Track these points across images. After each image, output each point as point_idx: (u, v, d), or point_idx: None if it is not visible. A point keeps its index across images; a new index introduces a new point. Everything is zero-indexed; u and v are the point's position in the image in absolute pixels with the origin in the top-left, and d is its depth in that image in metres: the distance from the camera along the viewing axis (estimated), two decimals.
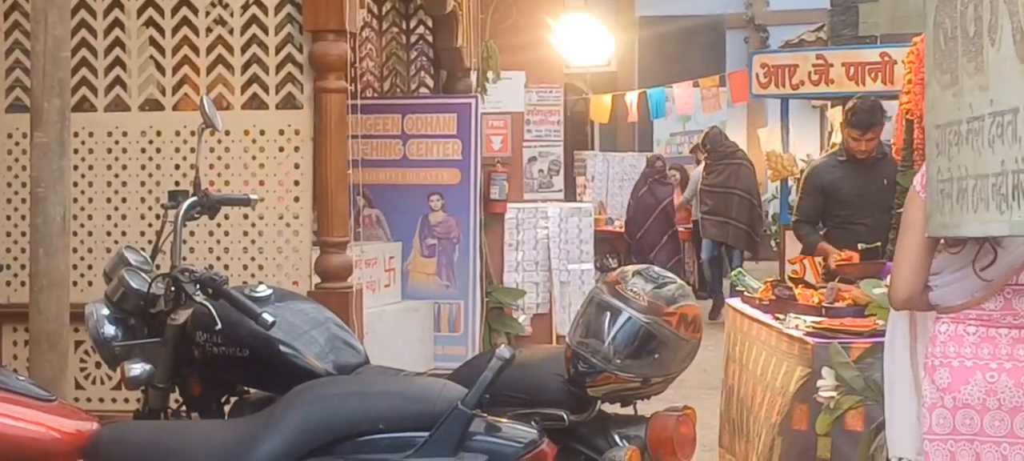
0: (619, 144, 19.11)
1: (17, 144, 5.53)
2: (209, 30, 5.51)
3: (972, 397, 3.20)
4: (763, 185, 18.15)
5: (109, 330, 4.01)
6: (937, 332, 3.31)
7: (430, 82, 8.15)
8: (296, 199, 5.43)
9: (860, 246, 6.24)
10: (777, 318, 5.37)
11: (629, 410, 4.01)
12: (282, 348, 3.91)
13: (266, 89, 5.46)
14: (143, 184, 5.53)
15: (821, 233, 6.98)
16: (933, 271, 3.35)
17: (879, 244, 6.28)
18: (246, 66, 5.47)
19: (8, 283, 5.57)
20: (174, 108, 5.56)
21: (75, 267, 5.34)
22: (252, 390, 4.12)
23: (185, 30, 5.52)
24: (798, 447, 4.85)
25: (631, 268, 3.94)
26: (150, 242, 4.61)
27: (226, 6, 5.49)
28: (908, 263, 3.34)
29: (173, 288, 3.96)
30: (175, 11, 5.51)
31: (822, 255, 6.68)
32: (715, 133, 13.35)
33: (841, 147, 7.21)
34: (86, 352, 5.43)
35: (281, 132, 5.44)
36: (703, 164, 13.68)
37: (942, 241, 3.31)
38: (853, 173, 6.87)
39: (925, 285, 3.35)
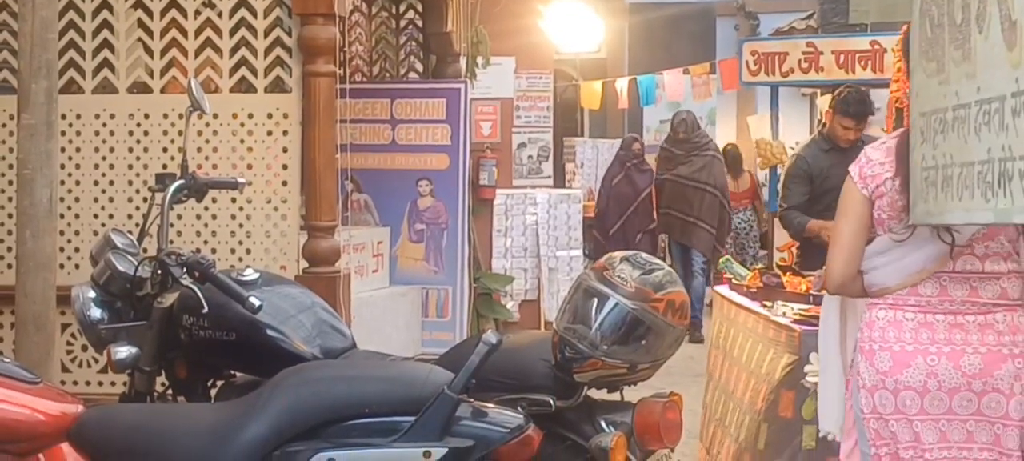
0: (609, 131, 19.08)
1: (4, 126, 5.52)
2: (197, 13, 5.49)
3: (913, 380, 3.37)
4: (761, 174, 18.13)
5: (95, 313, 4.00)
6: (875, 318, 3.45)
7: (420, 67, 8.14)
8: (284, 183, 5.42)
9: None
10: (765, 305, 5.38)
11: (616, 396, 4.01)
12: (269, 332, 3.91)
13: (254, 73, 5.45)
14: (130, 167, 5.52)
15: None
16: (866, 256, 3.49)
17: None
18: (234, 49, 5.46)
19: None
20: (162, 91, 5.55)
21: (62, 250, 5.34)
22: (238, 374, 4.12)
23: (173, 13, 5.50)
24: (784, 434, 4.86)
25: (619, 254, 3.93)
26: (137, 225, 4.60)
27: None
28: (842, 249, 3.50)
29: (160, 271, 3.95)
30: None
31: (814, 233, 6.67)
32: (691, 119, 11.61)
33: (823, 135, 7.22)
34: (73, 335, 5.42)
35: (269, 116, 5.43)
36: (662, 150, 12.04)
37: (877, 228, 3.47)
38: (839, 161, 6.85)
39: (858, 270, 3.49)
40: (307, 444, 3.05)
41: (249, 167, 5.42)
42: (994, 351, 3.35)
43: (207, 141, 5.45)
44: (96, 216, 5.53)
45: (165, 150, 5.48)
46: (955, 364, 3.34)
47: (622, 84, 15.10)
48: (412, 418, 3.03)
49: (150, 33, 5.53)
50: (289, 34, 5.41)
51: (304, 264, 5.40)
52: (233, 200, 5.41)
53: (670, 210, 11.38)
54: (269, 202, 5.43)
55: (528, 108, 10.87)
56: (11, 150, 5.29)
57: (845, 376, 3.66)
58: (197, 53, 5.50)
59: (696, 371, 8.18)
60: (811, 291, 5.39)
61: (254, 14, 5.42)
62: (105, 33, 5.55)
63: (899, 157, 3.36)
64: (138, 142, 5.52)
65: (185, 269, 3.85)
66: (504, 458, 3.08)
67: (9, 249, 5.34)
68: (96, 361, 5.41)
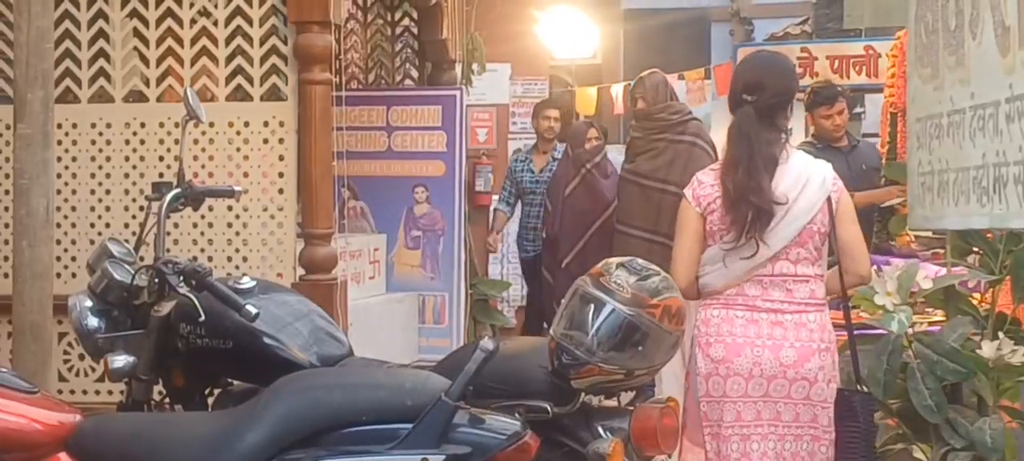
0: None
1: (0, 135, 5.51)
2: (193, 21, 5.50)
3: (742, 367, 4.03)
4: None
5: (92, 322, 3.99)
6: (710, 316, 4.09)
7: (415, 74, 8.14)
8: (280, 191, 5.43)
9: None
10: None
11: (613, 402, 4.02)
12: (266, 340, 3.92)
13: (251, 81, 5.46)
14: (127, 176, 5.52)
15: None
16: (701, 263, 4.12)
17: None
18: (230, 58, 5.47)
19: None
20: (158, 100, 5.56)
21: (59, 259, 5.33)
22: (236, 382, 4.12)
23: (169, 21, 5.50)
24: None
25: (615, 260, 3.94)
26: (134, 234, 4.60)
27: None
28: (684, 261, 4.14)
29: (157, 280, 3.94)
30: (159, 2, 5.49)
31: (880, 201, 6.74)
32: (653, 82, 7.40)
33: (812, 139, 7.24)
34: (70, 344, 5.42)
35: (265, 124, 5.43)
36: (629, 134, 7.90)
37: (708, 239, 4.10)
38: (833, 161, 6.89)
39: (696, 275, 4.14)
40: (304, 452, 3.05)
41: (245, 175, 5.42)
42: (806, 346, 4.04)
43: (203, 149, 5.46)
44: (93, 225, 5.53)
45: (161, 159, 5.48)
46: (776, 355, 4.02)
47: (617, 90, 15.09)
48: (409, 425, 3.03)
49: (146, 42, 5.53)
50: (285, 42, 5.41)
51: (301, 271, 5.40)
52: (230, 208, 5.41)
53: (624, 226, 7.19)
54: (265, 210, 5.43)
55: (524, 114, 10.85)
56: (7, 160, 5.29)
57: (684, 368, 4.39)
58: (193, 62, 5.50)
59: None
60: None
61: (250, 23, 5.43)
62: (101, 42, 5.55)
63: (722, 183, 4.05)
64: (134, 151, 5.52)
65: (182, 277, 3.85)
66: None
67: (6, 258, 5.33)
68: (93, 370, 5.41)
